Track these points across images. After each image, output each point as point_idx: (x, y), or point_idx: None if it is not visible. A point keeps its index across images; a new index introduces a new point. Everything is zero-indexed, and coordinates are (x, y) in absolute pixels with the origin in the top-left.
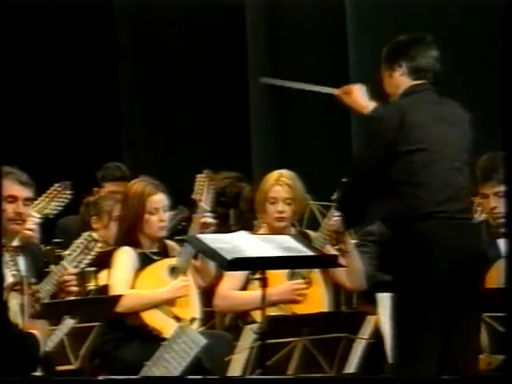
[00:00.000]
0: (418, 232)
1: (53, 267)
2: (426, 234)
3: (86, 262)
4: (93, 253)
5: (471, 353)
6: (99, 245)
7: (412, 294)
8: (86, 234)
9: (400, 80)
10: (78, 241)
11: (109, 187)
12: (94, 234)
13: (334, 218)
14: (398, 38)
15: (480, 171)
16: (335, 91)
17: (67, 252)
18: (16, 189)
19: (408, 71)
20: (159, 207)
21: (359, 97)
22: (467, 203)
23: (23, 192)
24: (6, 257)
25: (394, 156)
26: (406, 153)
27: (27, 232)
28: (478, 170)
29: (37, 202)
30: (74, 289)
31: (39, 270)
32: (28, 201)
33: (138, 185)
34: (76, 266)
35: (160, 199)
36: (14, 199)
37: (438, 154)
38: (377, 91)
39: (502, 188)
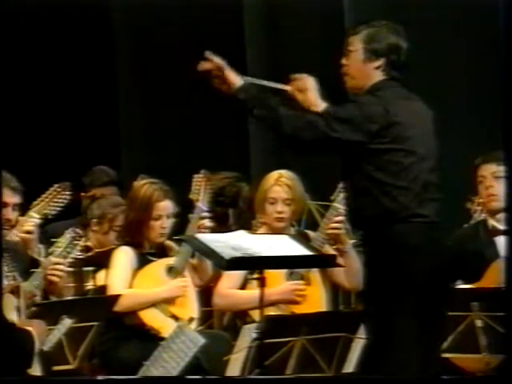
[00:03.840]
0: (397, 235)
1: (42, 260)
2: (405, 238)
3: (71, 256)
4: (78, 248)
5: (439, 353)
6: (83, 239)
7: (391, 300)
8: (70, 230)
9: (373, 73)
10: (64, 236)
11: (96, 193)
12: (79, 230)
13: (333, 218)
14: (381, 30)
15: (479, 160)
16: (287, 88)
17: (53, 247)
18: (6, 194)
19: (385, 65)
20: (163, 214)
21: (311, 95)
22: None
23: (13, 198)
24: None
25: (372, 147)
26: (386, 151)
27: (26, 235)
28: (476, 160)
29: (36, 202)
30: (60, 274)
31: (25, 270)
32: (16, 206)
33: (147, 188)
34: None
35: (166, 206)
36: (4, 205)
37: (416, 154)
38: None
39: (500, 168)
